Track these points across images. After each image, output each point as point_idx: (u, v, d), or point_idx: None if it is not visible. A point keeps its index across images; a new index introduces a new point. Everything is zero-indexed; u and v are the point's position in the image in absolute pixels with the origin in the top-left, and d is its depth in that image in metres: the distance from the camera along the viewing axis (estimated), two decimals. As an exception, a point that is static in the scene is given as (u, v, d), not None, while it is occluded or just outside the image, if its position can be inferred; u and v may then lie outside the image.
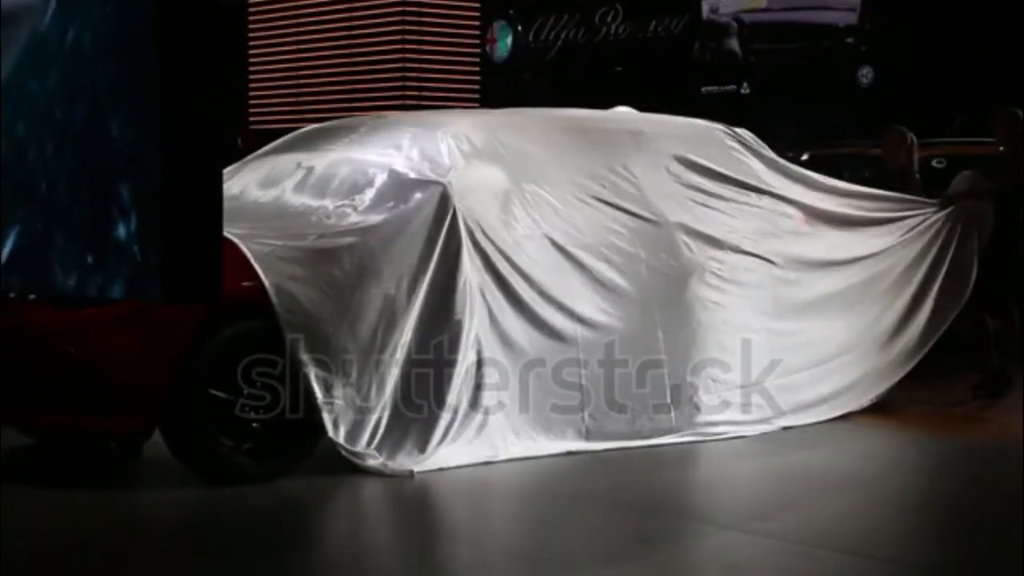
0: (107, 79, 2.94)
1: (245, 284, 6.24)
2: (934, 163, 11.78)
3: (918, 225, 8.50)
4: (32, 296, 6.23)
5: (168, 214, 2.87)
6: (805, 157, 12.29)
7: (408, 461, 6.47)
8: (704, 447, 7.28)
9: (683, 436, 7.28)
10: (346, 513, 6.31)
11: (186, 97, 2.90)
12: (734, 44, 16.38)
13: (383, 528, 6.13)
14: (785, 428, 7.65)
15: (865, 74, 15.16)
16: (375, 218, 6.72)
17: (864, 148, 11.97)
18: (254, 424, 6.32)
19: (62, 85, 3.03)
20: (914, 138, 9.29)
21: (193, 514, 6.06)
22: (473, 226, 6.82)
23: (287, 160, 7.50)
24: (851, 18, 15.42)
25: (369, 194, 6.87)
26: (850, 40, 15.40)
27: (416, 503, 6.19)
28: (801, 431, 7.67)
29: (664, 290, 7.40)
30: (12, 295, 6.05)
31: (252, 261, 6.23)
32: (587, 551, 5.45)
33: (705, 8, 16.64)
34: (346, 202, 6.86)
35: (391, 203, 6.80)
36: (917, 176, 9.22)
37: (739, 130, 8.26)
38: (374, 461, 6.39)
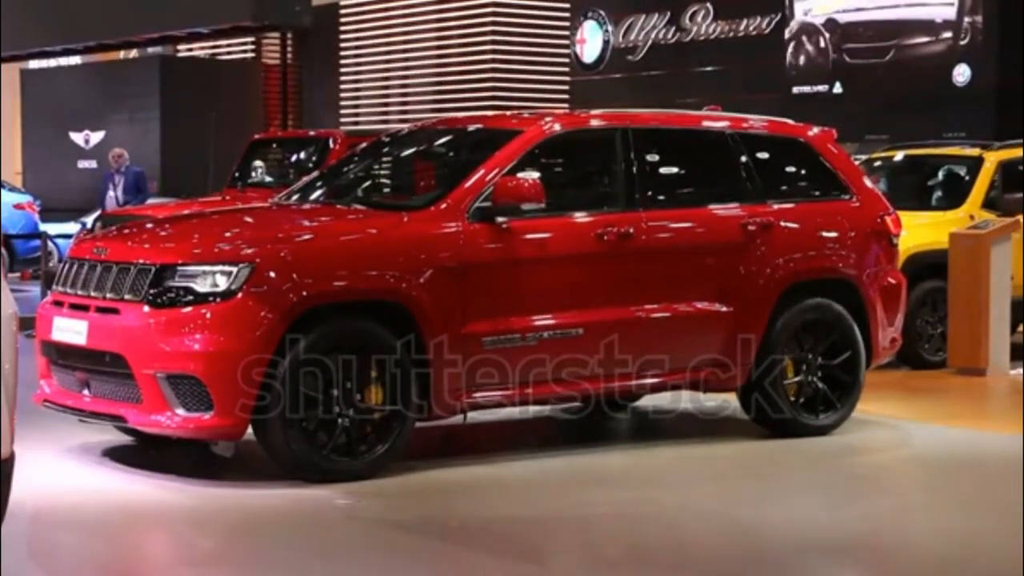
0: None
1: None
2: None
3: None
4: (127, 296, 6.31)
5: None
6: (899, 157, 12.11)
7: None
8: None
9: None
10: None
11: None
12: (826, 44, 16.16)
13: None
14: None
15: (961, 72, 14.87)
16: None
17: (963, 148, 11.76)
18: (344, 422, 6.35)
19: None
20: None
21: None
22: None
23: None
24: (949, 12, 15.10)
25: None
26: (947, 36, 15.09)
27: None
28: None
29: None
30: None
31: None
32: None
33: (797, 8, 16.45)
34: None
35: None
36: None
37: (824, 131, 8.18)
38: None
